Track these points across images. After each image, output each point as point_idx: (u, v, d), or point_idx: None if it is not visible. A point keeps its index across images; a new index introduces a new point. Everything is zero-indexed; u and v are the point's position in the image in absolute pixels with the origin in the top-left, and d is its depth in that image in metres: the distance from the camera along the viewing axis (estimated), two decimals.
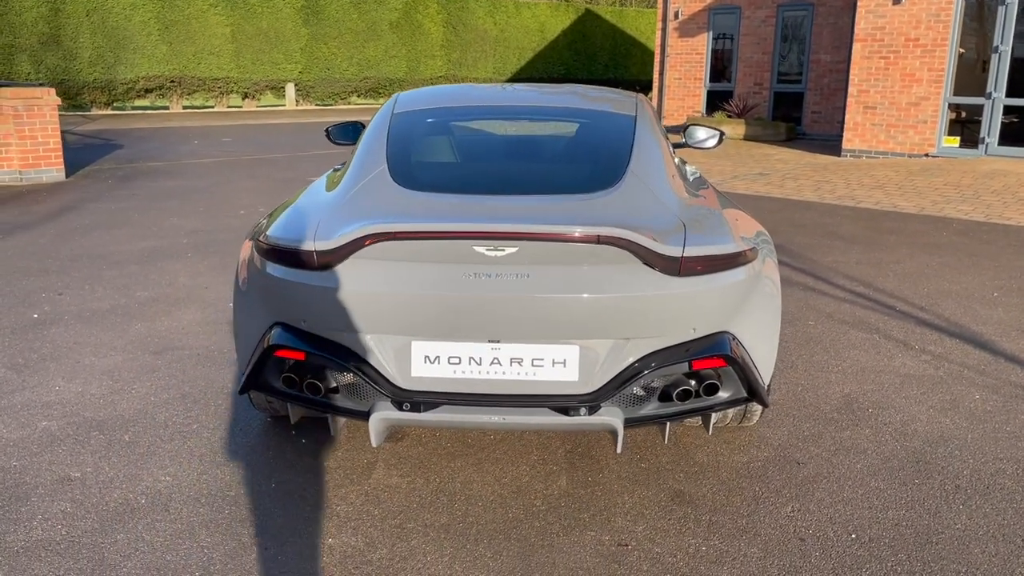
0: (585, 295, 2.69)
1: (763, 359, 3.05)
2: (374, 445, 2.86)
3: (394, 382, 2.82)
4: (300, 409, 3.14)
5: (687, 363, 2.83)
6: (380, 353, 2.81)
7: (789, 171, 11.68)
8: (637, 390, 2.87)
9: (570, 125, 3.69)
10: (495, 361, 2.79)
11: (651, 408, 2.90)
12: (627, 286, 2.71)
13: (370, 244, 2.70)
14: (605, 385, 2.81)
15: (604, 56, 30.42)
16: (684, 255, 2.74)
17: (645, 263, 2.72)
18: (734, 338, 2.92)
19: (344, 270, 2.76)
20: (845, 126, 13.22)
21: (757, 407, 3.33)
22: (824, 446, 3.39)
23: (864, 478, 3.13)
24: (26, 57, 19.89)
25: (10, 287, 5.54)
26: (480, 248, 2.67)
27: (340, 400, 2.92)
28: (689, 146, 4.95)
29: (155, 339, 4.56)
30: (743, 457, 3.28)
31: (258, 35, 23.32)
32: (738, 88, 17.01)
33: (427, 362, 2.80)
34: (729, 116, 16.37)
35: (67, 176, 10.38)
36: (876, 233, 7.64)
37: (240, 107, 24.22)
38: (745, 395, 2.98)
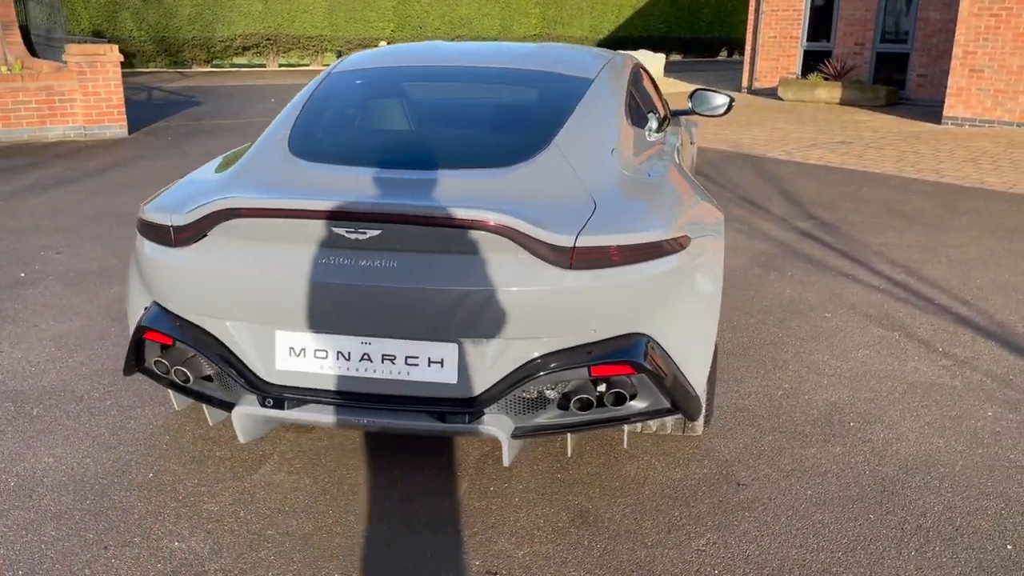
0: (459, 288, 2.34)
1: (693, 365, 2.64)
2: (242, 441, 2.62)
3: (258, 374, 2.55)
4: (182, 396, 2.92)
5: (586, 368, 2.45)
6: (243, 342, 2.55)
7: (875, 140, 10.76)
8: (530, 396, 2.51)
9: (516, 89, 3.29)
10: (365, 357, 2.48)
11: (548, 417, 2.54)
12: (508, 279, 2.34)
13: (226, 221, 2.43)
14: (489, 389, 2.46)
15: (708, 13, 29.07)
16: (577, 244, 2.35)
17: (532, 253, 2.35)
18: (650, 341, 2.51)
19: (200, 249, 2.50)
20: (948, 91, 12.10)
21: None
22: (778, 466, 2.94)
23: (809, 509, 2.68)
24: (128, 15, 20.50)
25: (15, 244, 5.57)
26: (340, 230, 2.36)
27: (212, 390, 2.68)
28: (698, 113, 4.50)
29: (123, 304, 4.45)
30: (676, 473, 2.88)
31: None
32: (837, 48, 15.86)
33: (292, 355, 2.52)
34: (825, 78, 15.28)
35: (130, 132, 10.55)
36: (947, 213, 6.87)
37: None
38: (667, 406, 2.58)
